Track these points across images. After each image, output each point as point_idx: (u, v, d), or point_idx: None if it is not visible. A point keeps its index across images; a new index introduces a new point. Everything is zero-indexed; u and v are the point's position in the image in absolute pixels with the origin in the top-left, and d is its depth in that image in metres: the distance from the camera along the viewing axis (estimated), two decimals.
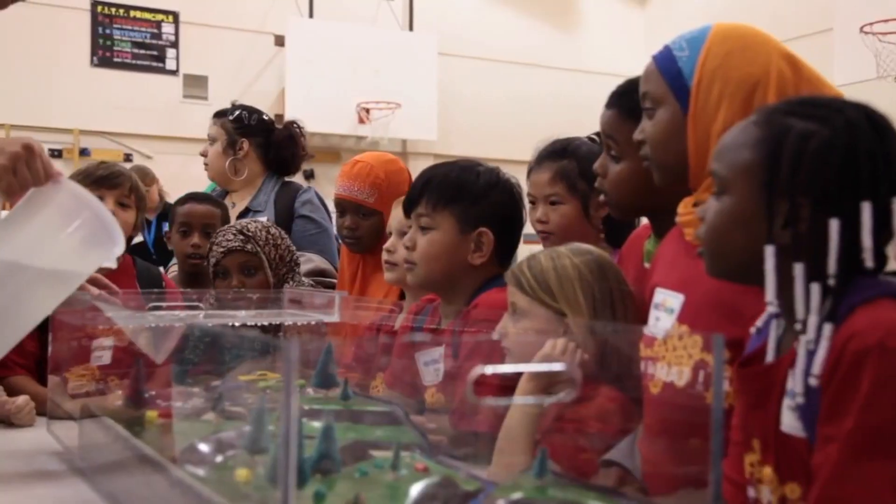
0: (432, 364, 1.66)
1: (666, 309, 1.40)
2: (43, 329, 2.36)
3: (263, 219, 3.02)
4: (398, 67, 8.83)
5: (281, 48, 8.64)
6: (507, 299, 1.61)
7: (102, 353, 1.72)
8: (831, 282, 1.05)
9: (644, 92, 1.47)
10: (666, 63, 1.43)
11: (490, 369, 1.00)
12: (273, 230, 2.49)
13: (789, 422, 1.06)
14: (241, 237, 2.40)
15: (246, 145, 3.27)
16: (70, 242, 1.66)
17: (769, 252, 1.08)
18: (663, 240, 1.52)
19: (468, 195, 1.90)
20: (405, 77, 8.83)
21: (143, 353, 1.58)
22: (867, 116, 1.10)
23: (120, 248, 1.70)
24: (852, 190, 1.05)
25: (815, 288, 1.05)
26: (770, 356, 1.12)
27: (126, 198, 2.56)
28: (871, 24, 7.00)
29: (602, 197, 1.65)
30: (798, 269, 1.06)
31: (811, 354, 1.03)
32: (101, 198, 1.98)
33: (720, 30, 1.42)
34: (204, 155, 3.32)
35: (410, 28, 9.45)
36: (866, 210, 1.04)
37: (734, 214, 1.13)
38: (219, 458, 1.26)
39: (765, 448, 1.11)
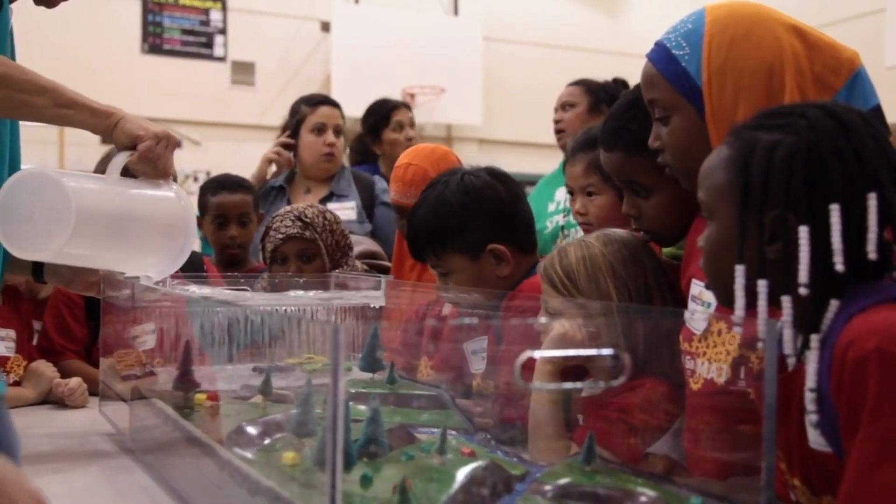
0: (480, 352, 1.64)
1: (703, 302, 1.34)
2: (91, 316, 2.41)
3: (351, 204, 3.13)
4: (443, 52, 8.80)
5: (327, 34, 8.66)
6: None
7: (146, 337, 1.75)
8: (803, 291, 1.00)
9: (651, 99, 1.38)
10: (668, 66, 1.33)
11: (538, 354, 0.99)
12: (329, 215, 2.48)
13: (813, 438, 1.03)
14: (300, 224, 2.40)
15: None
16: (154, 237, 1.77)
17: (739, 271, 1.04)
18: (692, 229, 1.44)
19: (455, 229, 1.85)
20: (450, 62, 8.80)
21: (190, 335, 1.60)
22: (831, 115, 1.05)
23: (171, 270, 1.80)
24: (823, 194, 1.01)
25: (787, 300, 1.01)
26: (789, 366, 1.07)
27: None
28: None
29: (642, 234, 1.55)
30: (762, 286, 1.02)
31: (814, 367, 1.00)
32: None
33: (716, 17, 1.32)
34: (331, 145, 3.29)
35: (455, 13, 9.42)
36: (835, 212, 1.00)
37: (721, 239, 1.09)
38: (266, 441, 1.26)
39: (789, 462, 1.09)
